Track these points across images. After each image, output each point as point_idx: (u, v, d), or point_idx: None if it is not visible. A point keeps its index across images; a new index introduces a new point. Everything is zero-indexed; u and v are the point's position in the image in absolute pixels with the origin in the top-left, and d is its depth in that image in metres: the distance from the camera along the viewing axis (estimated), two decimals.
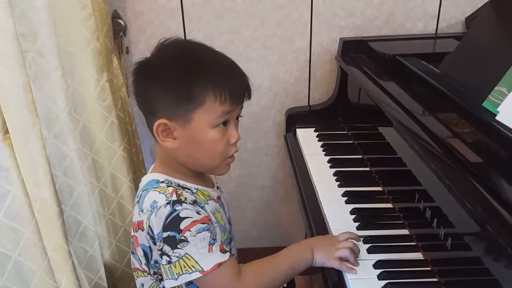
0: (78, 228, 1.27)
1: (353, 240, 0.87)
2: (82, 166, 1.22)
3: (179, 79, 0.79)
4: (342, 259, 0.84)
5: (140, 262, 0.87)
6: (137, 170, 1.46)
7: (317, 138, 1.35)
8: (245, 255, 0.97)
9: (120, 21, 1.41)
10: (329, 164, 1.20)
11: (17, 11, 1.00)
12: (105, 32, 1.25)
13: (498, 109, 0.80)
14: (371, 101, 1.13)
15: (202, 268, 0.77)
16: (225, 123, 0.82)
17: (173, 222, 0.77)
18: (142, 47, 1.46)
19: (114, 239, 1.40)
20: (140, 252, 0.85)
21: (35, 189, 0.99)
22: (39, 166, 0.98)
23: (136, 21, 1.44)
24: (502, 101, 0.80)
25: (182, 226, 0.77)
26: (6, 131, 0.95)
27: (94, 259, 1.31)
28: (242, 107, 0.86)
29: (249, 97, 0.85)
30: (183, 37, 1.47)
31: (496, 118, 0.79)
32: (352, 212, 1.00)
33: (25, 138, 0.96)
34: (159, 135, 0.82)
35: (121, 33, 1.41)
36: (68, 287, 1.08)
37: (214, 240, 0.79)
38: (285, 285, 1.06)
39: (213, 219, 0.84)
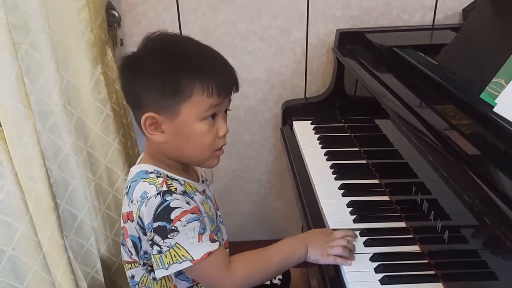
0: (74, 222, 1.27)
1: (348, 238, 0.87)
2: (77, 159, 1.21)
3: (166, 72, 0.79)
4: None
5: (130, 253, 0.87)
6: (132, 163, 1.44)
7: (314, 131, 1.34)
8: (241, 248, 0.96)
9: (114, 12, 1.39)
10: (326, 157, 1.20)
11: (8, 2, 0.98)
12: (99, 24, 1.24)
13: (495, 100, 0.80)
14: (368, 93, 1.12)
15: (192, 257, 0.78)
16: (213, 116, 0.82)
17: (163, 212, 0.77)
18: (136, 39, 1.43)
19: (110, 233, 1.39)
20: (129, 243, 0.86)
21: (29, 183, 0.99)
22: (33, 160, 0.97)
23: (130, 12, 1.43)
24: (500, 92, 0.80)
25: (172, 216, 0.77)
26: None
27: (90, 253, 1.30)
28: (230, 100, 0.85)
29: (236, 90, 0.85)
30: (174, 31, 1.46)
31: (494, 109, 0.79)
32: (349, 205, 1.00)
33: (19, 132, 0.95)
34: (147, 129, 0.82)
35: (115, 25, 1.40)
36: (64, 282, 1.07)
37: (204, 229, 0.80)
38: (281, 278, 1.06)
39: (202, 209, 0.84)
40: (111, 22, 1.38)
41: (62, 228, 1.06)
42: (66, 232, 1.19)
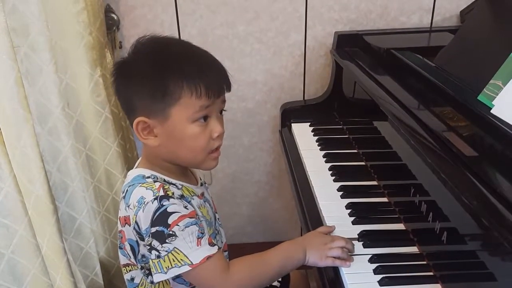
0: (73, 225, 1.27)
1: (345, 238, 0.87)
2: (76, 162, 1.21)
3: (154, 75, 0.79)
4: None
5: (129, 256, 0.87)
6: (131, 166, 1.44)
7: (312, 133, 1.35)
8: (240, 251, 0.96)
9: (113, 15, 1.39)
10: (325, 159, 1.20)
11: (8, 5, 0.99)
12: (98, 27, 1.24)
13: (493, 102, 0.80)
14: (366, 95, 1.13)
15: (191, 262, 0.77)
16: (205, 117, 0.82)
17: (161, 217, 0.77)
18: None
19: (109, 236, 1.39)
20: (128, 247, 0.86)
21: (28, 185, 0.99)
22: (32, 163, 0.97)
23: (129, 15, 1.43)
24: (497, 94, 0.80)
25: (170, 221, 0.77)
26: None
27: (90, 256, 1.30)
28: (224, 100, 0.85)
29: (228, 90, 0.84)
30: (173, 33, 1.46)
31: (491, 111, 0.79)
32: (348, 206, 1.00)
33: (18, 134, 0.95)
34: (140, 133, 0.82)
35: (114, 28, 1.40)
36: (63, 285, 1.07)
37: (202, 234, 0.80)
38: (280, 279, 1.06)
39: (199, 213, 0.84)
40: (110, 25, 1.38)
41: (61, 230, 1.06)
42: (65, 235, 1.19)
